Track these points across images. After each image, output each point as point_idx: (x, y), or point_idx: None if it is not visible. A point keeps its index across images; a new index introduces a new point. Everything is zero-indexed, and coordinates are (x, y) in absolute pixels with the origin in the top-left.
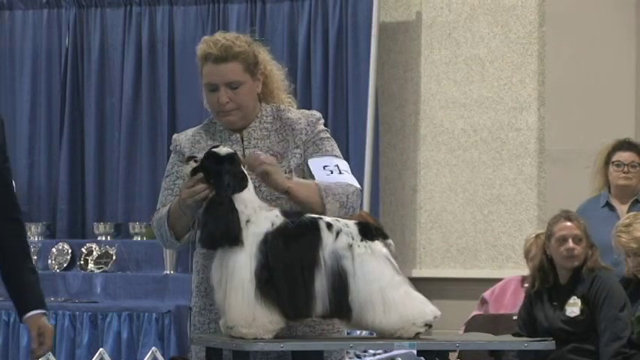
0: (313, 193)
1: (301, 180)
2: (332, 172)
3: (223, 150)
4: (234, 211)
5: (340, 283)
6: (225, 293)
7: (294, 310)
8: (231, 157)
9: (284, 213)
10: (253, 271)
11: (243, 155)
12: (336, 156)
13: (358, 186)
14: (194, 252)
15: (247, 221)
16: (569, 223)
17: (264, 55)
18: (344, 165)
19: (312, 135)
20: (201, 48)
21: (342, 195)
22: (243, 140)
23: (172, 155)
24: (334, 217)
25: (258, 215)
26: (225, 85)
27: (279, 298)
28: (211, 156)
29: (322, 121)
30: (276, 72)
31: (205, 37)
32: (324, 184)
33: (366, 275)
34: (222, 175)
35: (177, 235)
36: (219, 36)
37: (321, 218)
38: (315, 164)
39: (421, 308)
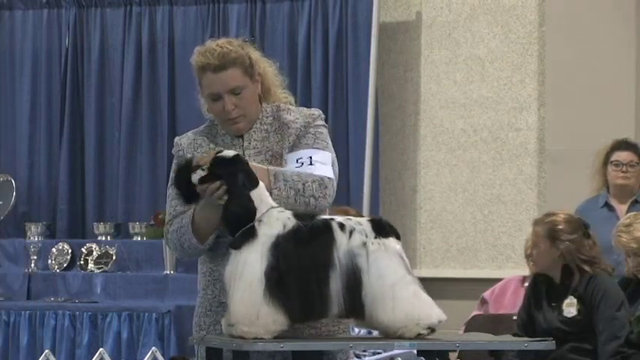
0: (262, 177)
1: (255, 164)
2: (302, 164)
3: (230, 153)
4: (251, 203)
5: (354, 280)
6: (232, 291)
7: (307, 311)
8: (240, 158)
9: (296, 215)
10: (263, 270)
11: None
12: (317, 148)
13: (327, 175)
14: None
15: (259, 221)
16: None
17: (255, 54)
18: (320, 156)
19: (300, 133)
20: (197, 59)
21: (297, 182)
22: (243, 142)
23: (175, 161)
24: (288, 203)
25: (270, 215)
26: (229, 93)
27: (289, 300)
28: (219, 161)
29: (322, 117)
30: (269, 69)
31: (198, 48)
32: (278, 170)
33: (379, 271)
34: (236, 175)
35: (201, 238)
36: (212, 44)
37: (332, 219)
38: (290, 158)
39: (427, 310)
